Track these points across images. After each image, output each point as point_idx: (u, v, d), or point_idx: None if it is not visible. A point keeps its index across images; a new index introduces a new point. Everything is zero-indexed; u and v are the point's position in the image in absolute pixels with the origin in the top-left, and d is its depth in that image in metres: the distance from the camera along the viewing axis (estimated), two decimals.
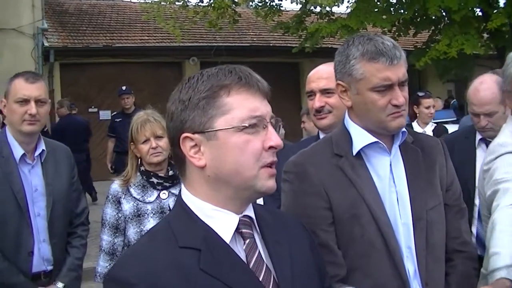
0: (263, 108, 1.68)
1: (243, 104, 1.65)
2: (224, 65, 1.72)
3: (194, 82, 1.68)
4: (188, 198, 1.72)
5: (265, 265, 1.69)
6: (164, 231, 1.68)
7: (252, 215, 1.75)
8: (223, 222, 1.67)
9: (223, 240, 1.65)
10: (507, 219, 2.20)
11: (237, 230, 1.68)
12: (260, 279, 1.65)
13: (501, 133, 2.69)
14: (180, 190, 1.78)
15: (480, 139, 3.83)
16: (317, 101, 3.01)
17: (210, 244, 1.62)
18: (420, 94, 7.61)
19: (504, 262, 1.98)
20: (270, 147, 1.66)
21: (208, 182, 1.68)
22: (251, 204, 1.76)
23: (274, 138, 1.67)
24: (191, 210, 1.69)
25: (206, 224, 1.67)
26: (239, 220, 1.69)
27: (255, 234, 1.74)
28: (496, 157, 2.55)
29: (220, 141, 1.64)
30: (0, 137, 3.54)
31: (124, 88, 10.42)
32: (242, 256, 1.67)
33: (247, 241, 1.69)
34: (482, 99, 3.60)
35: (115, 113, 10.86)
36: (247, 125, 1.63)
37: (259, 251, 1.70)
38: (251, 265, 1.66)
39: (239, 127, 1.63)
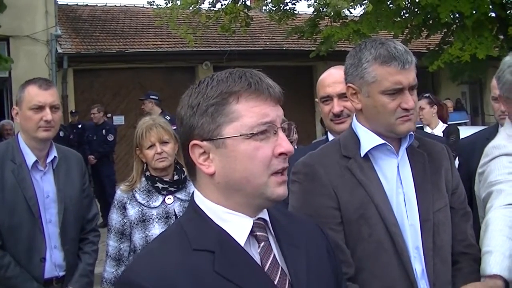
0: (273, 113, 1.64)
1: (252, 111, 1.62)
2: (235, 68, 1.69)
3: (204, 87, 1.66)
4: (201, 201, 1.70)
5: (280, 268, 1.67)
6: (177, 233, 1.66)
7: (267, 217, 1.73)
8: (237, 225, 1.66)
9: (238, 243, 1.63)
10: (499, 219, 2.26)
11: (252, 233, 1.67)
12: (275, 282, 1.63)
13: (497, 136, 2.73)
14: (192, 194, 1.76)
15: None
16: (337, 106, 3.03)
17: (224, 247, 1.61)
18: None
19: (495, 260, 2.07)
20: (281, 154, 1.64)
21: (219, 189, 1.67)
22: None
23: (284, 144, 1.64)
24: (204, 213, 1.67)
25: (220, 227, 1.65)
26: (253, 223, 1.67)
27: (269, 237, 1.72)
28: (491, 160, 2.59)
29: (229, 149, 1.62)
30: (13, 144, 3.57)
31: (147, 93, 10.44)
32: (257, 259, 1.65)
33: (262, 244, 1.68)
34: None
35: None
36: (256, 132, 1.61)
37: (274, 254, 1.69)
38: (266, 269, 1.64)
39: (247, 135, 1.60)
